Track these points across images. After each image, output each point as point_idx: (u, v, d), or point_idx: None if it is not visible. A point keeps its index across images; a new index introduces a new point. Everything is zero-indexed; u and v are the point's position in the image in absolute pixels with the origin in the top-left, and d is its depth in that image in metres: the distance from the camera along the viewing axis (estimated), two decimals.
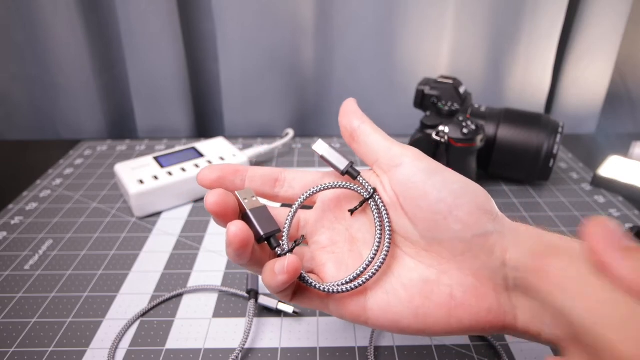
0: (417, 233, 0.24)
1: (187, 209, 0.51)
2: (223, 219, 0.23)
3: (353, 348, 0.33)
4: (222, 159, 0.55)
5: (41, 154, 0.64)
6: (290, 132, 0.66)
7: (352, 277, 0.24)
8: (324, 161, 0.26)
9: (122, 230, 0.47)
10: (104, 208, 0.51)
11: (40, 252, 0.44)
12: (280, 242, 0.25)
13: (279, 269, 0.22)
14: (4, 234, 0.47)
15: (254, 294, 0.37)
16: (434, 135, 0.48)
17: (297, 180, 0.27)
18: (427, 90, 0.52)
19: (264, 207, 0.25)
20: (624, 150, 0.60)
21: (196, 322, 0.36)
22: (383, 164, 0.25)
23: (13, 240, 0.46)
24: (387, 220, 0.25)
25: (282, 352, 0.33)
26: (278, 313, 0.37)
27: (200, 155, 0.55)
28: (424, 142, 0.48)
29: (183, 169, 0.52)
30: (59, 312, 0.37)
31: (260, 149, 0.61)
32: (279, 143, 0.63)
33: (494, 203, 0.23)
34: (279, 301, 0.36)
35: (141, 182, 0.49)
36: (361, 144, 0.26)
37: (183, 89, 0.71)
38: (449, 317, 0.23)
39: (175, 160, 0.53)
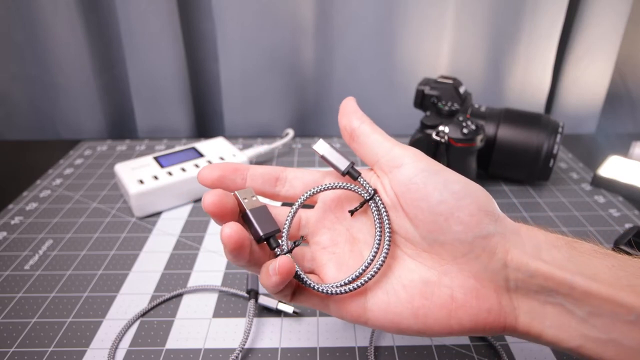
0: (418, 234, 0.24)
1: (187, 209, 0.51)
2: (221, 219, 0.23)
3: (353, 348, 0.33)
4: (222, 159, 0.55)
5: (41, 154, 0.64)
6: (290, 132, 0.66)
7: (351, 278, 0.24)
8: (325, 161, 0.26)
9: (122, 230, 0.47)
10: (104, 208, 0.51)
11: (40, 252, 0.44)
12: (280, 242, 0.25)
13: (271, 270, 0.22)
14: (4, 234, 0.47)
15: (254, 294, 0.37)
16: (434, 136, 0.48)
17: (298, 179, 0.27)
18: (427, 90, 0.52)
19: (264, 207, 0.25)
20: (624, 150, 0.60)
21: (196, 322, 0.36)
22: (383, 165, 0.25)
23: (13, 240, 0.46)
24: (387, 221, 0.24)
25: (282, 352, 0.33)
26: (278, 313, 0.37)
27: (200, 155, 0.55)
28: (424, 142, 0.48)
29: (183, 169, 0.52)
30: (59, 312, 0.37)
31: (260, 149, 0.61)
32: (279, 143, 0.63)
33: (496, 204, 0.23)
34: (279, 301, 0.36)
35: (141, 182, 0.49)
36: (361, 144, 0.26)
37: (183, 89, 0.71)
38: (450, 318, 0.22)
39: (175, 160, 0.53)
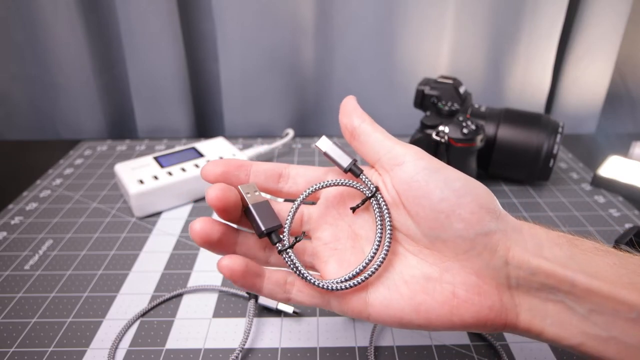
0: (420, 231, 0.24)
1: (187, 209, 0.51)
2: (224, 214, 0.23)
3: (353, 348, 0.33)
4: (222, 159, 0.55)
5: (41, 154, 0.64)
6: (290, 132, 0.66)
7: (352, 274, 0.24)
8: (327, 158, 0.26)
9: (122, 230, 0.47)
10: (104, 208, 0.51)
11: (40, 252, 0.44)
12: (282, 237, 0.25)
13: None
14: (4, 234, 0.46)
15: (253, 294, 0.37)
16: (434, 136, 0.48)
17: (300, 175, 0.27)
18: (427, 90, 0.52)
19: (267, 202, 0.25)
20: (624, 150, 0.60)
21: (196, 322, 0.36)
22: (385, 163, 0.25)
23: (13, 240, 0.45)
24: (388, 218, 0.25)
25: (282, 352, 0.33)
26: (278, 313, 0.36)
27: (200, 155, 0.55)
28: (424, 142, 0.48)
29: (183, 169, 0.52)
30: (59, 312, 0.37)
31: (260, 149, 0.61)
32: (279, 143, 0.63)
33: (497, 201, 0.23)
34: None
35: (141, 182, 0.49)
36: (362, 142, 0.26)
37: (183, 89, 0.70)
38: (452, 315, 0.23)
39: (175, 160, 0.53)
